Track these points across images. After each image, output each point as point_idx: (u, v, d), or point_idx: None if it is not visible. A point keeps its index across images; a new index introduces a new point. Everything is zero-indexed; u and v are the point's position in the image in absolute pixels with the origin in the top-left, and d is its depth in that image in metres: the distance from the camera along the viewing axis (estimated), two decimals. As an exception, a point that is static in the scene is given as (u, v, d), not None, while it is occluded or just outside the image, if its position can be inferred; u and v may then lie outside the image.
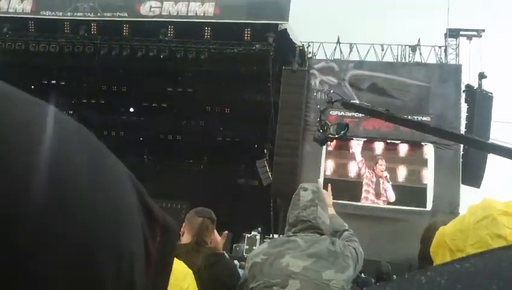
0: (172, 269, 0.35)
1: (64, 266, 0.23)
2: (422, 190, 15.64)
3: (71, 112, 23.72)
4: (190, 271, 2.01)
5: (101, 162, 0.30)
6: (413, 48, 17.19)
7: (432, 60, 17.20)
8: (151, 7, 17.22)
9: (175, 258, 1.92)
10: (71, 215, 0.24)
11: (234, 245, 15.19)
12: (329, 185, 3.06)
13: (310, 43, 17.45)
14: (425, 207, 15.32)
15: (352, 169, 16.41)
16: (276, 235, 15.57)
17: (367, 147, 16.46)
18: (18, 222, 0.22)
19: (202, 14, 16.82)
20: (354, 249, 2.45)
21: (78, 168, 0.26)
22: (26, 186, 0.22)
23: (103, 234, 0.26)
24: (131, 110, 22.48)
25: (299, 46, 16.86)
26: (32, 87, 21.26)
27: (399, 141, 16.22)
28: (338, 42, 17.41)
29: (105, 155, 0.31)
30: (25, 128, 0.25)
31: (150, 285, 0.32)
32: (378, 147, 16.43)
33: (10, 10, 17.96)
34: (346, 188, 16.09)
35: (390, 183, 16.06)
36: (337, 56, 17.38)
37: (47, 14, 17.75)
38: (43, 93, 21.65)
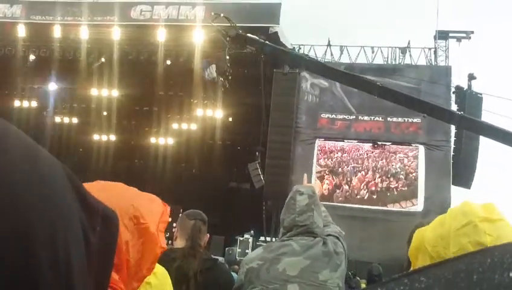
0: (111, 260, 0.37)
1: (1, 255, 0.25)
2: (413, 191, 15.74)
3: (62, 117, 23.62)
4: (168, 277, 2.02)
5: (32, 157, 0.31)
6: (403, 50, 17.33)
7: (422, 61, 17.36)
8: (141, 11, 17.20)
9: (157, 265, 1.94)
10: (3, 208, 0.26)
11: (227, 249, 15.17)
12: (317, 180, 3.10)
13: (301, 46, 17.53)
14: (417, 208, 15.41)
15: (343, 169, 16.47)
16: (268, 238, 15.58)
17: (358, 149, 16.53)
18: None
19: (193, 18, 16.82)
20: (340, 240, 2.48)
21: (9, 163, 0.28)
22: None
23: (37, 224, 0.27)
24: (122, 113, 22.40)
25: (290, 49, 16.90)
26: (23, 92, 21.18)
27: (390, 143, 16.32)
28: (328, 45, 17.51)
29: (37, 151, 0.31)
30: None
31: (93, 272, 0.33)
32: (369, 148, 16.52)
33: (0, 15, 17.86)
34: (336, 189, 16.17)
35: (381, 184, 16.14)
36: (328, 58, 17.47)
37: (37, 19, 17.66)
38: (34, 97, 21.55)
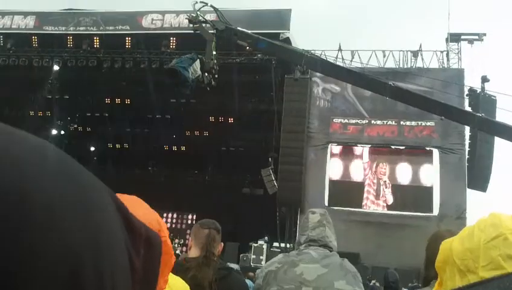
0: (159, 282, 0.36)
1: (49, 287, 0.24)
2: (429, 196, 15.57)
3: (76, 126, 23.88)
4: (187, 287, 2.02)
5: (79, 181, 0.30)
6: (415, 54, 17.21)
7: (434, 64, 17.22)
8: (152, 20, 17.35)
9: (172, 274, 1.94)
10: (52, 237, 0.25)
11: (241, 255, 15.15)
12: None
13: (312, 51, 17.47)
14: (432, 212, 15.24)
15: (357, 175, 16.36)
16: (282, 244, 15.53)
17: (371, 153, 16.43)
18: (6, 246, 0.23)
19: (204, 26, 16.89)
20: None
21: (56, 190, 0.27)
22: (16, 213, 0.24)
23: (85, 254, 0.27)
24: (135, 122, 22.56)
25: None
26: (37, 102, 21.43)
27: (403, 147, 16.19)
28: (339, 49, 17.45)
29: (83, 173, 0.31)
30: (8, 159, 0.25)
31: None
32: (382, 153, 16.40)
33: (13, 26, 18.13)
34: (351, 193, 16.06)
35: (392, 189, 16.00)
36: (339, 63, 17.40)
37: (50, 30, 17.90)
38: (47, 107, 21.79)
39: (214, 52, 9.98)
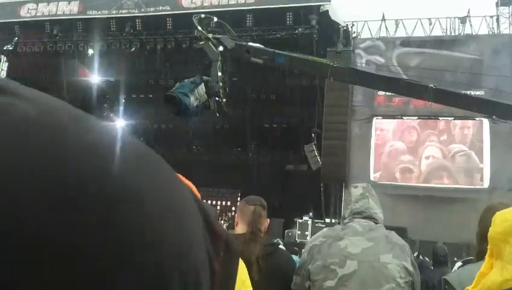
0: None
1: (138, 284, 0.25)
2: (479, 167, 15.10)
3: (122, 108, 24.45)
4: (242, 262, 2.05)
5: (170, 187, 0.30)
6: (463, 20, 16.48)
7: (484, 31, 16.44)
8: (192, -1, 17.39)
9: None
10: (143, 245, 0.26)
11: (286, 231, 15.25)
12: None
13: (354, 23, 17.08)
14: (483, 185, 14.79)
15: (403, 149, 16.03)
16: (327, 219, 15.51)
17: (419, 125, 16.02)
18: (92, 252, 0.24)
19: (243, 2, 16.81)
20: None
21: (147, 195, 0.27)
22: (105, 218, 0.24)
23: (173, 259, 0.27)
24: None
25: (343, 27, 16.55)
26: (83, 85, 22.05)
27: (452, 118, 15.69)
28: (383, 19, 16.95)
29: (173, 180, 0.31)
30: (94, 153, 0.26)
31: None
32: (431, 125, 15.95)
33: (59, 12, 18.61)
34: (397, 169, 15.79)
35: (444, 161, 15.60)
36: (383, 34, 16.93)
37: (93, 14, 18.27)
38: (93, 90, 22.38)
39: (220, 74, 8.86)
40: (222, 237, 0.34)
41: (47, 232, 0.22)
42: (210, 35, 8.92)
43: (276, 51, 9.53)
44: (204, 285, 0.30)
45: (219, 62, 8.96)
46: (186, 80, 8.25)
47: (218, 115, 9.16)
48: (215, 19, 9.10)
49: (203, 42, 8.95)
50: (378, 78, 10.56)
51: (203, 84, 8.28)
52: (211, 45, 8.87)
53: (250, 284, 2.09)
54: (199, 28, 8.85)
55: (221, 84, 8.78)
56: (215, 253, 0.33)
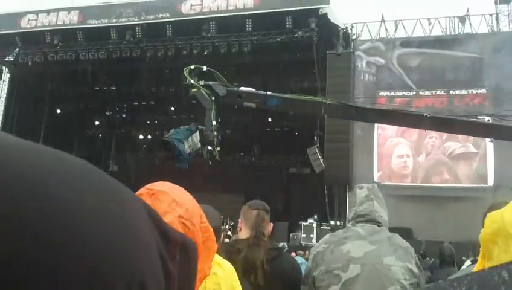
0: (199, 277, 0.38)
1: None
2: (483, 166, 15.06)
3: (123, 116, 24.53)
4: (233, 268, 2.05)
5: (107, 192, 0.31)
6: (462, 19, 16.49)
7: (483, 29, 16.46)
8: (191, 5, 17.43)
9: (220, 257, 1.96)
10: (80, 246, 0.27)
11: (291, 234, 15.23)
12: None
13: (354, 24, 17.10)
14: (487, 183, 14.74)
15: (406, 149, 16.00)
16: (332, 222, 15.47)
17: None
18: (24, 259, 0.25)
19: (242, 7, 16.85)
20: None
21: (84, 199, 0.28)
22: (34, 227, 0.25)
23: (113, 260, 0.28)
24: (181, 109, 22.89)
25: (342, 29, 16.57)
26: (86, 94, 22.13)
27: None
28: (382, 20, 16.97)
29: (112, 185, 0.32)
30: (33, 176, 0.27)
31: None
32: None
33: (59, 22, 18.68)
34: (401, 169, 15.76)
35: (443, 157, 15.55)
36: (383, 35, 16.95)
37: (93, 23, 18.33)
38: (95, 99, 22.46)
39: (214, 123, 8.81)
40: (177, 241, 0.35)
41: None
42: (202, 82, 8.94)
43: (268, 93, 9.52)
44: (155, 287, 0.31)
45: (213, 110, 8.88)
46: (181, 127, 8.33)
47: (210, 163, 9.16)
48: (205, 68, 9.09)
49: (195, 90, 8.97)
50: (373, 111, 10.32)
51: (197, 132, 8.33)
52: (203, 92, 8.90)
53: None
54: (192, 81, 8.84)
55: (215, 133, 8.74)
56: (171, 257, 0.34)
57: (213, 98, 8.87)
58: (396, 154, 15.95)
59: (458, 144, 15.57)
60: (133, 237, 0.30)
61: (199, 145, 8.19)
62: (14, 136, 0.29)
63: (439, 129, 10.20)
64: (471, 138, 15.43)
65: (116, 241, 0.29)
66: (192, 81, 8.91)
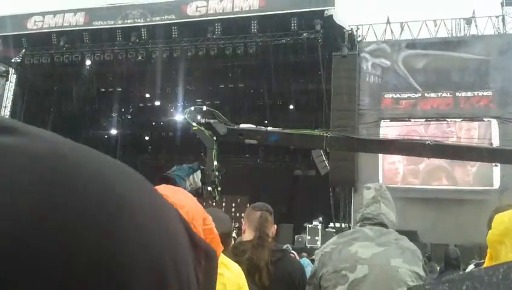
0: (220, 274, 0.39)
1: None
2: (489, 168, 14.98)
3: (129, 117, 24.60)
4: (241, 270, 2.06)
5: (158, 203, 0.34)
6: (468, 21, 16.44)
7: (489, 31, 16.39)
8: (197, 7, 17.47)
9: (227, 258, 1.97)
10: (146, 245, 0.30)
11: (296, 236, 15.20)
12: None
13: (359, 26, 17.07)
14: (493, 186, 14.67)
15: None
16: (337, 224, 15.44)
17: (426, 128, 15.94)
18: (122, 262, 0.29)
19: (248, 8, 16.87)
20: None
21: (140, 210, 0.31)
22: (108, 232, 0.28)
23: (169, 260, 0.31)
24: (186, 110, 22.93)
25: (348, 31, 16.55)
26: (91, 95, 22.21)
27: (460, 119, 15.61)
28: (388, 22, 16.94)
29: (158, 197, 0.35)
30: (93, 178, 0.30)
31: None
32: (438, 127, 15.87)
33: (65, 24, 18.78)
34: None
35: (453, 163, 15.48)
36: (388, 37, 16.92)
37: (99, 24, 18.41)
38: (101, 101, 22.53)
39: (216, 163, 8.96)
40: (202, 247, 0.38)
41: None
42: (203, 121, 9.00)
43: (269, 129, 9.58)
44: (194, 288, 0.34)
45: (214, 150, 9.03)
46: (184, 165, 8.35)
47: (210, 202, 9.24)
48: (205, 108, 9.18)
49: (196, 128, 9.06)
50: (375, 142, 10.33)
51: (199, 171, 8.34)
52: (204, 131, 8.98)
53: None
54: (193, 123, 8.92)
55: (216, 173, 8.82)
56: (197, 262, 0.36)
57: (214, 138, 8.94)
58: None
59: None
60: (176, 240, 0.34)
61: (199, 184, 8.20)
62: (74, 143, 0.32)
63: (442, 156, 10.07)
64: (476, 141, 15.38)
65: (168, 240, 0.32)
66: (193, 124, 8.99)
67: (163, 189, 1.15)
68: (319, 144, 9.85)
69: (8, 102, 20.19)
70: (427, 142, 8.88)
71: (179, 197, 1.12)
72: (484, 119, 15.33)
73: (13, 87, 20.28)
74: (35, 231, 0.26)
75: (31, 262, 0.25)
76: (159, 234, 0.31)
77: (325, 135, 9.59)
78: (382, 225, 2.39)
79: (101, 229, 0.28)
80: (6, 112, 20.04)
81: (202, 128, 9.05)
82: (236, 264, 2.05)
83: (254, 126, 9.69)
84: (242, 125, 9.59)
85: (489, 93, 15.20)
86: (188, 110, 9.31)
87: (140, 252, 0.29)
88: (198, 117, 9.28)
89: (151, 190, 0.34)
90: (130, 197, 0.31)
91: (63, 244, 0.26)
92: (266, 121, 18.50)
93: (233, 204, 22.77)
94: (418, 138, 15.72)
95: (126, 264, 0.28)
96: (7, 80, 20.34)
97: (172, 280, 0.31)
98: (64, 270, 0.26)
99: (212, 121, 9.13)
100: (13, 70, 20.31)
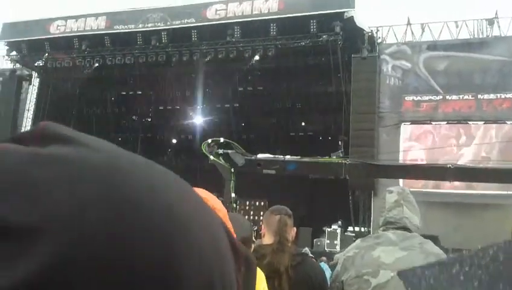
0: None
1: None
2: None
3: (149, 120, 24.82)
4: (263, 275, 2.05)
5: (205, 211, 0.35)
6: (491, 22, 16.16)
7: (513, 32, 16.10)
8: (216, 10, 17.55)
9: None
10: (200, 261, 0.31)
11: (315, 240, 15.12)
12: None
13: (379, 28, 16.93)
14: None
15: (433, 154, 15.73)
16: (356, 228, 15.30)
17: (448, 131, 15.72)
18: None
19: (267, 11, 16.88)
20: None
21: (193, 223, 0.32)
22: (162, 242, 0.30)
23: (217, 269, 0.32)
24: (206, 113, 23.06)
25: (368, 32, 16.43)
26: (112, 99, 22.48)
27: (482, 122, 15.34)
28: (408, 24, 16.77)
29: (205, 205, 0.36)
30: (149, 193, 0.31)
31: None
32: (460, 129, 15.63)
33: (87, 28, 19.05)
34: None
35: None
36: (409, 38, 16.74)
37: (120, 28, 18.62)
38: (122, 104, 22.79)
39: (233, 195, 9.10)
40: (242, 254, 0.38)
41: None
42: (220, 151, 9.05)
43: (286, 158, 9.63)
44: None
45: (232, 182, 9.10)
46: None
47: None
48: (222, 140, 9.25)
49: (213, 160, 9.16)
50: (396, 167, 10.30)
51: None
52: (222, 163, 9.06)
53: None
54: (211, 157, 9.00)
55: (234, 205, 8.95)
56: (238, 269, 0.37)
57: (232, 170, 8.99)
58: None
59: (489, 151, 15.22)
60: (221, 248, 0.34)
61: None
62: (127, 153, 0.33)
63: (464, 179, 9.99)
64: (498, 144, 15.10)
65: (217, 255, 0.33)
66: (211, 157, 9.07)
67: (203, 192, 1.16)
68: (338, 171, 9.86)
69: (31, 105, 20.56)
70: (448, 165, 8.77)
71: (213, 201, 1.14)
72: (507, 122, 15.05)
73: (36, 91, 20.65)
74: (101, 243, 0.27)
75: (98, 272, 0.27)
76: (209, 245, 0.32)
77: (343, 162, 9.59)
78: (405, 229, 2.36)
79: (163, 252, 0.29)
80: (30, 115, 20.41)
81: (220, 159, 9.10)
82: (258, 269, 2.05)
83: (271, 156, 9.80)
84: (260, 156, 9.70)
85: (513, 95, 14.93)
86: (205, 142, 9.38)
87: (195, 265, 0.30)
88: (216, 148, 9.32)
89: (199, 198, 0.35)
90: (189, 216, 0.32)
91: (127, 256, 0.27)
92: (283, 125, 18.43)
93: (252, 207, 22.76)
94: (430, 138, 15.55)
95: (184, 277, 0.29)
96: (30, 83, 20.73)
97: (219, 288, 0.32)
98: (127, 283, 0.27)
99: (230, 151, 9.19)
100: (36, 74, 20.69)
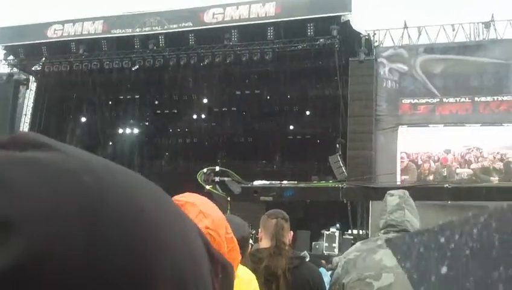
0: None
1: None
2: (509, 176, 14.72)
3: (147, 124, 24.82)
4: (254, 276, 2.04)
5: (176, 215, 0.36)
6: (487, 25, 16.21)
7: (509, 35, 16.12)
8: (214, 14, 17.57)
9: (239, 265, 1.96)
10: (171, 262, 0.32)
11: (313, 243, 15.11)
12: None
13: (376, 31, 16.96)
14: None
15: (430, 158, 15.76)
16: (355, 231, 15.30)
17: (445, 133, 15.74)
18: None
19: (264, 15, 16.91)
20: None
21: (168, 229, 0.33)
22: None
23: (189, 270, 0.33)
24: (203, 116, 23.06)
25: (365, 36, 16.47)
26: (110, 103, 22.45)
27: (479, 124, 15.38)
28: (405, 27, 16.81)
29: (179, 212, 0.37)
30: (129, 198, 0.32)
31: None
32: (458, 132, 15.66)
33: (84, 32, 19.04)
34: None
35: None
36: (406, 42, 16.78)
37: (117, 32, 18.62)
38: (119, 107, 22.77)
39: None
40: (219, 260, 0.39)
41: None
42: (217, 179, 9.10)
43: (283, 183, 9.74)
44: None
45: (228, 211, 8.92)
46: None
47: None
48: (217, 168, 9.37)
49: (211, 186, 9.24)
50: (392, 189, 10.32)
51: None
52: (219, 192, 9.11)
53: None
54: (207, 187, 9.06)
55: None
56: (215, 274, 0.38)
57: (228, 198, 8.97)
58: (418, 164, 15.66)
59: (486, 154, 15.27)
60: (195, 254, 0.35)
61: None
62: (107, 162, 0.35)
63: (462, 198, 9.97)
64: (497, 145, 15.14)
65: (191, 260, 0.34)
66: (206, 187, 9.09)
67: (191, 197, 1.17)
68: (335, 195, 9.89)
69: (28, 110, 20.53)
70: (445, 185, 8.80)
71: (206, 207, 1.14)
72: (504, 124, 15.10)
73: (33, 95, 20.61)
74: (74, 239, 0.28)
75: (71, 266, 0.28)
76: (182, 251, 0.33)
77: (340, 186, 9.64)
78: (406, 231, 2.36)
79: (136, 250, 0.30)
80: (27, 120, 20.37)
81: (217, 189, 9.14)
82: (248, 270, 2.04)
83: (268, 182, 9.86)
84: (256, 182, 9.74)
85: (509, 98, 14.98)
86: (201, 172, 9.45)
87: (168, 270, 0.31)
88: (212, 176, 9.37)
89: (173, 205, 0.36)
90: (160, 218, 0.33)
91: (99, 253, 0.28)
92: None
93: (250, 210, 22.70)
94: (430, 144, 15.58)
95: (157, 282, 0.30)
96: (27, 87, 20.69)
97: (192, 289, 0.33)
98: (98, 278, 0.28)
99: (226, 179, 9.25)
100: (33, 78, 20.66)
